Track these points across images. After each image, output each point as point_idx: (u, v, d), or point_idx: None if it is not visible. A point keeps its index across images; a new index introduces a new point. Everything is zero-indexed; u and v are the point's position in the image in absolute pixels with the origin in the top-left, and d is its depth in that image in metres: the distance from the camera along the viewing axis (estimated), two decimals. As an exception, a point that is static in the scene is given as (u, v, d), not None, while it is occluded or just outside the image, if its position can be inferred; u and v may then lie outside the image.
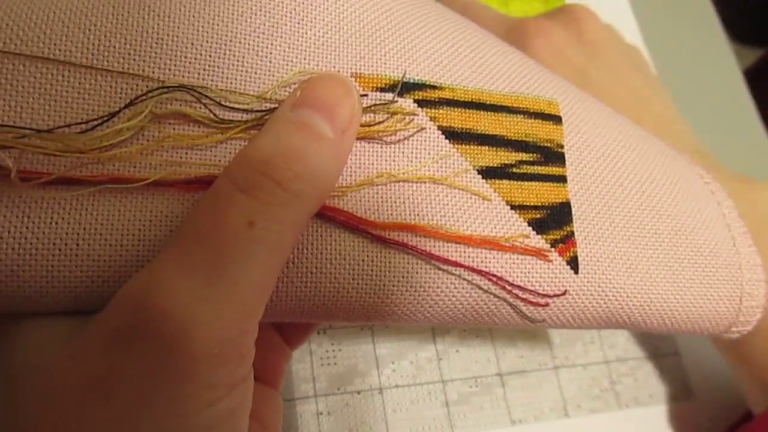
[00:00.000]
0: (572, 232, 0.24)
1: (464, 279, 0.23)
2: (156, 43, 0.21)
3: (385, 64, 0.24)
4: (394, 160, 0.23)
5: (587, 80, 0.35)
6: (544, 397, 0.40)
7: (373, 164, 0.23)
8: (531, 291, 0.23)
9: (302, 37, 0.23)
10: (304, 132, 0.20)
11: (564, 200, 0.24)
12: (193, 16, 0.22)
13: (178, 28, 0.22)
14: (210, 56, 0.22)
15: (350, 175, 0.22)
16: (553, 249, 0.24)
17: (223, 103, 0.21)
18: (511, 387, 0.40)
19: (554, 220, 0.24)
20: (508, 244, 0.23)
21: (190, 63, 0.21)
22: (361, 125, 0.22)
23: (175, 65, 0.21)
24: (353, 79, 0.23)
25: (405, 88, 0.23)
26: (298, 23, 0.23)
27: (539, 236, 0.24)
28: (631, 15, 0.55)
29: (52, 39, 0.20)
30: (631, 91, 0.36)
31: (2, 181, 0.19)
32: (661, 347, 0.44)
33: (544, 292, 0.23)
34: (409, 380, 0.38)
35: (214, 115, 0.21)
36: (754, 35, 1.57)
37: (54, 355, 0.19)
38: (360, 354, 0.38)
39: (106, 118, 0.20)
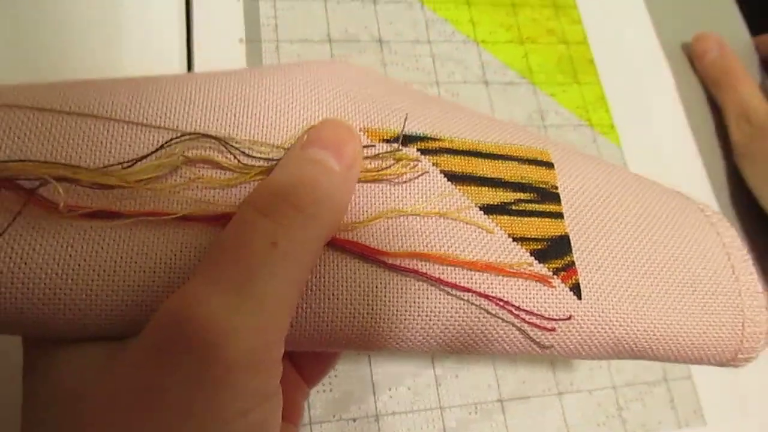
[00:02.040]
0: (573, 262, 0.25)
1: (473, 304, 0.24)
2: (189, 105, 0.24)
3: (390, 120, 0.26)
4: (402, 200, 0.25)
5: None
6: (547, 424, 0.39)
7: (382, 203, 0.25)
8: (537, 315, 0.24)
9: (315, 101, 0.26)
10: (315, 165, 0.23)
11: (563, 233, 0.26)
12: (220, 86, 0.25)
13: (207, 95, 0.25)
14: (235, 116, 0.25)
15: (362, 214, 0.24)
16: (555, 276, 0.25)
17: (247, 153, 0.24)
18: (512, 414, 0.38)
19: (555, 251, 0.25)
20: (512, 270, 0.24)
21: (217, 120, 0.24)
22: (370, 171, 0.25)
23: (204, 122, 0.24)
24: (362, 133, 0.26)
25: (408, 140, 0.26)
26: (311, 91, 0.26)
27: (541, 264, 0.25)
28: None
29: (100, 102, 0.24)
30: None
31: (50, 212, 0.21)
32: (672, 371, 0.43)
33: (550, 317, 0.24)
34: (407, 407, 0.37)
35: (239, 161, 0.24)
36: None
37: (94, 377, 0.20)
38: (356, 379, 0.37)
39: (143, 157, 0.22)
